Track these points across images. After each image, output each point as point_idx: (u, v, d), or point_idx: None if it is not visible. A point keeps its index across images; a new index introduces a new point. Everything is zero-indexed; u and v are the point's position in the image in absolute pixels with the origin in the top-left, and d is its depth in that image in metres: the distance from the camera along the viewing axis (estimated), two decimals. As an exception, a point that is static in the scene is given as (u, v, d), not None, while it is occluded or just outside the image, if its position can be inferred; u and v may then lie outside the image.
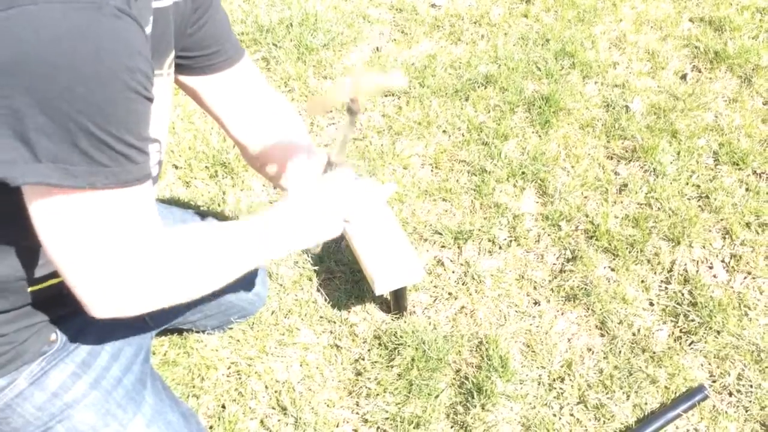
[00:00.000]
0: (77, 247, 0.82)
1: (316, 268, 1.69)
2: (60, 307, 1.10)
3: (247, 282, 1.55)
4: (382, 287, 1.44)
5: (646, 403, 1.43)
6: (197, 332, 1.57)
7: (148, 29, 0.92)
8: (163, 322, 1.40)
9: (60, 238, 0.81)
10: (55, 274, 1.04)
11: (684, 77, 2.24)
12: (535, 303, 1.64)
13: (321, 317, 1.61)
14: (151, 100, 0.83)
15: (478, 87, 2.19)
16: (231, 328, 1.57)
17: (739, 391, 1.45)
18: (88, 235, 0.82)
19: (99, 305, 0.88)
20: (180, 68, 1.17)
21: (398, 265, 1.44)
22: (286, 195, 1.16)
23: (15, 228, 0.91)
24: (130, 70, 0.77)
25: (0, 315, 1.02)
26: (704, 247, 1.72)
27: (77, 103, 0.73)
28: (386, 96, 2.19)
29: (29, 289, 1.02)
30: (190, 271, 0.98)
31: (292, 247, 1.09)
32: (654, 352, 1.51)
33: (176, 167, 1.98)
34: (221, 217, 1.78)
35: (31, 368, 1.09)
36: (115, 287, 0.87)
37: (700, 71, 2.26)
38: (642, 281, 1.66)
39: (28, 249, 0.97)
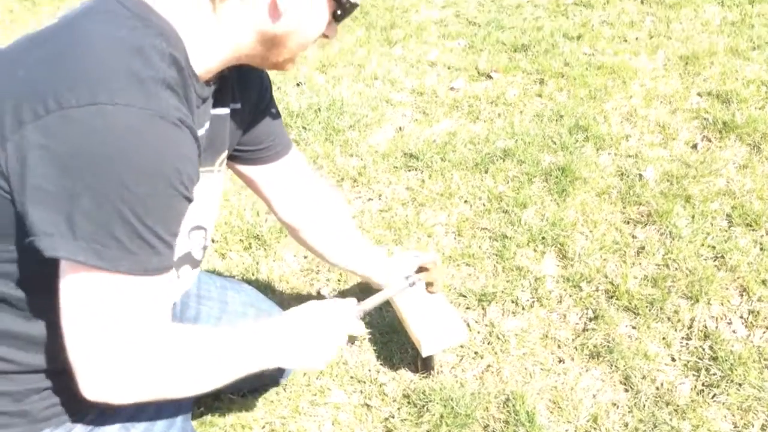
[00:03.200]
0: (86, 321, 0.88)
1: (346, 331, 1.77)
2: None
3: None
4: (430, 349, 1.53)
5: (673, 455, 1.45)
6: (232, 395, 1.63)
7: (202, 131, 1.05)
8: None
9: (74, 310, 0.88)
10: None
11: (695, 146, 2.34)
12: (560, 361, 1.68)
13: (351, 377, 1.67)
14: (190, 200, 0.92)
15: (497, 160, 2.31)
16: (265, 390, 1.64)
17: (765, 443, 1.46)
18: (99, 313, 0.88)
19: (89, 385, 0.92)
20: (234, 158, 1.31)
21: (444, 326, 1.54)
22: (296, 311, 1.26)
23: (53, 295, 1.01)
24: (176, 171, 0.87)
25: (54, 371, 1.10)
26: (722, 304, 1.77)
27: (123, 194, 0.82)
28: (409, 171, 2.31)
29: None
30: (186, 372, 1.02)
31: (281, 362, 1.18)
32: (678, 405, 1.54)
33: (213, 241, 2.10)
34: (256, 284, 1.88)
35: (83, 422, 1.16)
36: (110, 371, 0.92)
37: (710, 141, 2.36)
38: (663, 338, 1.70)
39: None
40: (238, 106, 1.18)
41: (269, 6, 0.94)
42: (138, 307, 0.90)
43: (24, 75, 0.85)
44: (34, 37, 0.93)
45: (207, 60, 0.97)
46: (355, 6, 1.01)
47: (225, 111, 1.14)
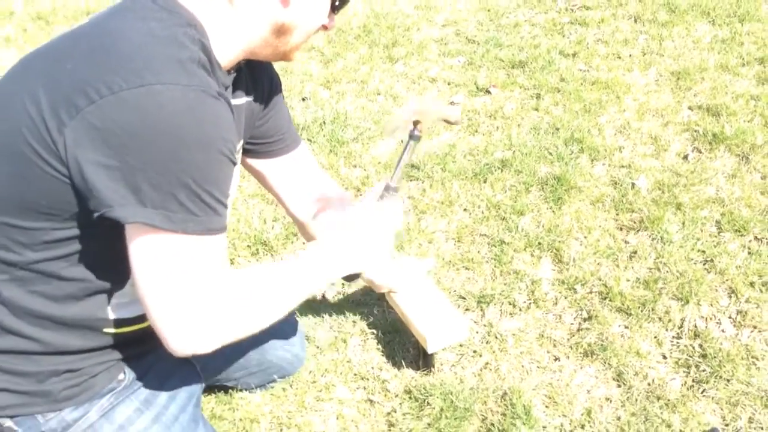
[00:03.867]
0: (164, 280, 0.98)
1: (350, 331, 1.84)
2: (129, 349, 1.27)
3: (288, 345, 1.70)
4: (435, 345, 1.60)
5: (663, 446, 1.52)
6: (241, 390, 1.70)
7: None
8: (212, 374, 1.55)
9: (150, 272, 0.97)
10: (127, 322, 1.21)
11: (686, 157, 2.42)
12: (556, 359, 1.75)
13: (355, 375, 1.74)
14: (235, 164, 1.03)
15: (495, 170, 2.40)
16: (272, 386, 1.71)
17: (752, 434, 1.53)
18: (174, 271, 0.98)
19: (176, 339, 1.00)
20: (245, 152, 1.40)
21: (446, 324, 1.61)
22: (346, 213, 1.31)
23: (100, 272, 1.09)
24: (223, 139, 0.97)
25: (78, 353, 1.18)
26: (711, 305, 1.84)
27: (182, 163, 0.93)
28: (411, 180, 2.40)
29: (104, 330, 1.19)
30: (256, 308, 1.11)
31: (343, 269, 1.23)
32: (668, 400, 1.60)
33: (221, 246, 2.17)
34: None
35: (101, 402, 1.23)
36: (191, 321, 1.01)
37: (700, 152, 2.44)
38: (655, 337, 1.77)
39: (104, 294, 1.14)
40: (251, 98, 1.28)
41: None
42: (206, 262, 0.99)
43: (72, 67, 0.95)
44: (72, 34, 1.03)
45: (227, 50, 1.07)
46: None
47: (241, 101, 1.23)
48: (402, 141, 1.38)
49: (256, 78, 1.29)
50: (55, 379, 1.16)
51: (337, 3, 1.12)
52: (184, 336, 1.01)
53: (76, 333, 1.15)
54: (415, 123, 1.30)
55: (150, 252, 0.97)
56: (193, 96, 0.93)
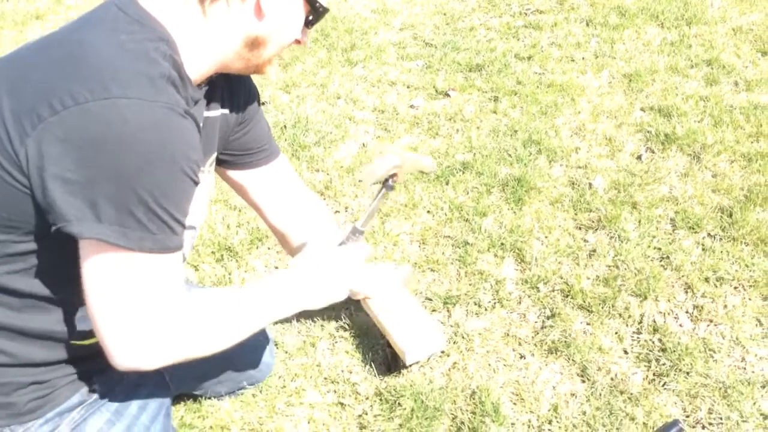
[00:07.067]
0: (114, 298, 0.97)
1: (318, 334, 1.85)
2: (97, 361, 1.25)
3: (256, 352, 1.70)
4: (413, 357, 1.62)
5: (627, 438, 1.57)
6: (210, 398, 1.69)
7: None
8: (181, 383, 1.54)
9: (102, 289, 0.96)
10: (93, 334, 1.19)
11: (639, 157, 2.50)
12: (521, 357, 1.79)
13: (325, 378, 1.75)
14: (197, 183, 1.02)
15: (457, 172, 2.43)
16: (242, 393, 1.70)
17: (710, 424, 1.59)
18: (126, 289, 0.97)
19: (121, 356, 1.00)
20: (225, 164, 1.40)
21: (423, 335, 1.64)
22: (302, 256, 1.35)
23: (63, 286, 1.08)
24: (187, 158, 0.97)
25: (44, 365, 1.16)
26: (669, 300, 1.91)
27: (142, 179, 0.91)
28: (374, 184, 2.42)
29: (71, 342, 1.17)
30: (207, 333, 1.12)
31: (299, 306, 1.26)
32: (631, 394, 1.66)
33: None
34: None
35: (72, 415, 1.22)
36: (138, 340, 1.00)
37: (653, 152, 2.52)
38: (616, 332, 1.83)
39: (72, 307, 1.13)
40: (227, 111, 1.27)
41: (254, 7, 1.04)
42: (160, 281, 0.99)
43: (38, 77, 0.93)
44: (41, 42, 1.01)
45: (198, 63, 1.07)
46: (326, 11, 1.13)
47: (216, 114, 1.23)
48: (372, 186, 1.58)
49: (234, 90, 1.28)
50: (22, 391, 1.15)
51: (310, 18, 1.12)
52: (129, 352, 1.00)
53: (41, 345, 1.13)
54: (392, 175, 1.42)
55: (103, 268, 0.95)
56: (160, 112, 0.92)
